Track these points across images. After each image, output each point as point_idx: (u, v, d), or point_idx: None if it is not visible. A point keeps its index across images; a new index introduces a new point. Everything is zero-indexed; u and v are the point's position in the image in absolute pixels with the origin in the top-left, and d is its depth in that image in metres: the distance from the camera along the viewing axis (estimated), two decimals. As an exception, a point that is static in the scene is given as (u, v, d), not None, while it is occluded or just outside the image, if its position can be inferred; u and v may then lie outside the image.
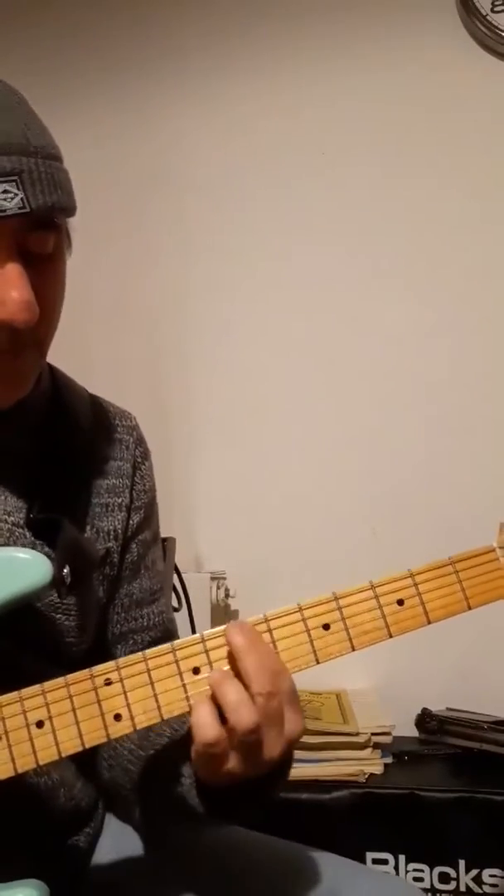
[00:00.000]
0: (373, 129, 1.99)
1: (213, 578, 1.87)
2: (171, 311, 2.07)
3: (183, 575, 1.75)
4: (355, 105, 2.00)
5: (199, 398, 2.05)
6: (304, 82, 2.02)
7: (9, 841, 0.79)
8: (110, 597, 0.91)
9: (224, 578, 1.92)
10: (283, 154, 2.02)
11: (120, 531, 0.90)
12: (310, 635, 0.72)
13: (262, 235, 2.03)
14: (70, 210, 0.75)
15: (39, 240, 0.73)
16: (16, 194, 0.68)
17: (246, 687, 0.69)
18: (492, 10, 1.90)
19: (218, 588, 1.88)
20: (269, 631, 0.72)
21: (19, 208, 0.68)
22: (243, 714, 0.68)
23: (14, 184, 0.68)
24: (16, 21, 2.11)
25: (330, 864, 0.89)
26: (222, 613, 1.89)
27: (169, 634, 0.95)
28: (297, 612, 0.73)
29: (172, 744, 0.84)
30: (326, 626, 0.72)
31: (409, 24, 1.96)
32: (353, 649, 0.73)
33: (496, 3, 1.90)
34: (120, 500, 0.91)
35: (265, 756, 0.69)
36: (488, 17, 1.90)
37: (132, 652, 0.75)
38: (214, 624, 1.82)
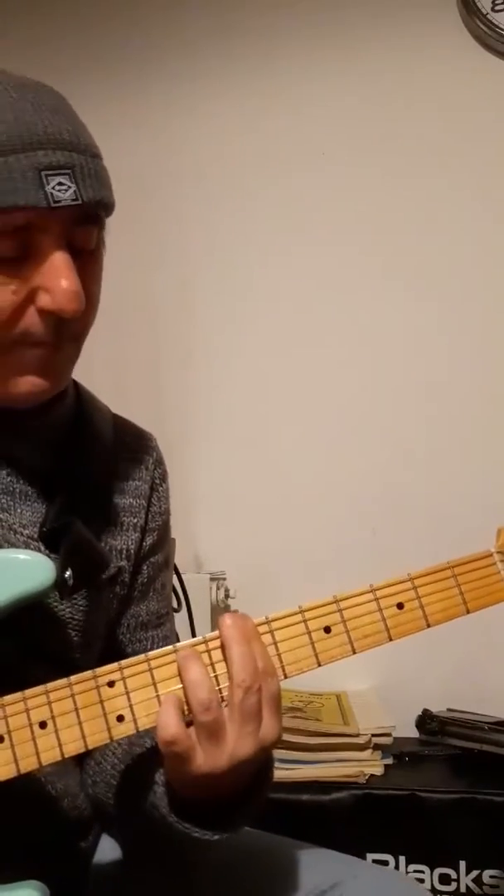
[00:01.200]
0: (373, 128, 1.99)
1: (212, 579, 1.87)
2: (171, 310, 2.07)
3: (182, 575, 1.75)
4: (355, 104, 2.00)
5: (199, 398, 2.05)
6: (304, 81, 2.02)
7: (11, 844, 0.79)
8: (118, 617, 0.91)
9: (224, 579, 1.92)
10: (283, 153, 2.02)
11: (133, 551, 0.90)
12: (311, 638, 0.73)
13: (261, 235, 2.03)
14: (112, 207, 0.77)
15: (85, 233, 0.75)
16: (69, 186, 0.71)
17: (229, 676, 0.69)
18: (492, 9, 1.90)
19: (217, 589, 1.88)
20: (271, 632, 0.72)
21: (72, 200, 0.71)
22: (199, 692, 0.67)
23: (68, 176, 0.71)
24: (16, 21, 2.11)
25: (330, 859, 0.89)
26: (222, 614, 1.88)
27: None
28: (298, 614, 0.73)
29: (151, 753, 0.82)
30: (327, 629, 0.73)
31: (409, 23, 1.96)
32: (354, 652, 0.73)
33: (496, 1, 1.90)
34: (135, 521, 0.90)
35: (235, 751, 0.67)
36: (489, 16, 1.90)
37: None
38: (214, 625, 1.82)
